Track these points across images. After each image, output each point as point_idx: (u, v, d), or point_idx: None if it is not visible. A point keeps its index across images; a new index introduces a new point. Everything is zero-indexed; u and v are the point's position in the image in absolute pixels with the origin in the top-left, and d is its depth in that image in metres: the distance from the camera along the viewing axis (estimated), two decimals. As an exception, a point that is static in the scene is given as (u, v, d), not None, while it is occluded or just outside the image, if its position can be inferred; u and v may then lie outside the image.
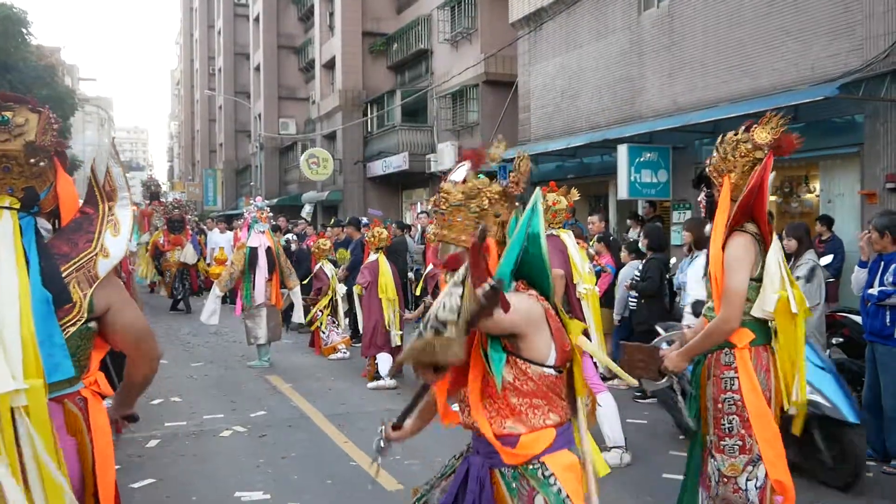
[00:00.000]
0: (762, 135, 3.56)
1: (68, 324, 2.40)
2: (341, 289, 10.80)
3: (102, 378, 2.62)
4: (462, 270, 2.24)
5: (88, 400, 2.51)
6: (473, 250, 2.24)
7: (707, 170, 3.76)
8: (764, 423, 3.49)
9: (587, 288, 6.30)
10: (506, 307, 2.24)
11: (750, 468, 3.51)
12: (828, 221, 10.16)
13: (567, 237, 6.39)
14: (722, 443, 3.54)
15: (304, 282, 11.38)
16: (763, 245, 3.61)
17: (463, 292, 2.19)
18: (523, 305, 2.39)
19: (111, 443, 2.55)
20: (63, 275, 2.41)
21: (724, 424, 3.55)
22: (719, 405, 3.56)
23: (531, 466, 2.49)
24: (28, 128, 2.43)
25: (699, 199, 3.88)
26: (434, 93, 23.81)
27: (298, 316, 10.58)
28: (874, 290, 5.78)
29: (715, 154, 3.71)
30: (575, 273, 6.22)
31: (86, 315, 2.43)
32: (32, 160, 2.44)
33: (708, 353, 3.69)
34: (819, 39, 10.93)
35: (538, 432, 2.48)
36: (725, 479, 3.53)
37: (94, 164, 2.60)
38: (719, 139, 3.72)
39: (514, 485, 2.51)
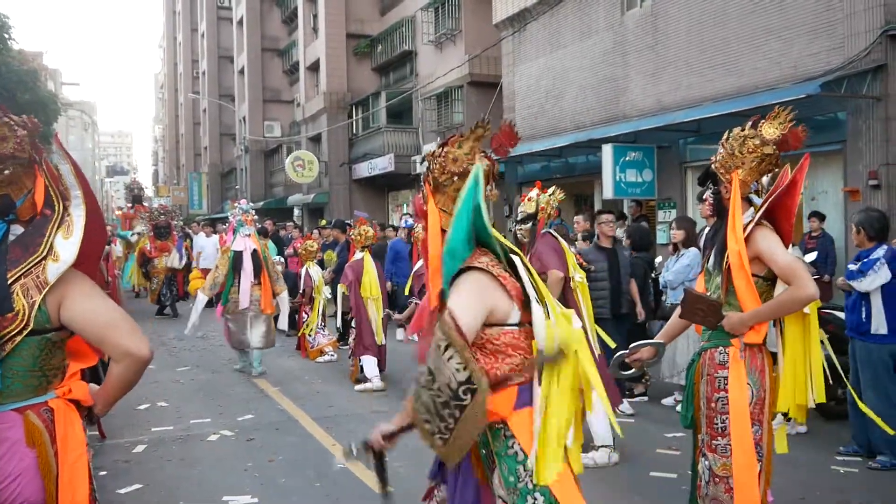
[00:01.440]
0: (770, 130, 3.54)
1: (12, 333, 2.28)
2: (326, 291, 10.73)
3: (81, 388, 2.49)
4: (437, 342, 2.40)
5: (57, 411, 2.38)
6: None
7: (713, 166, 3.72)
8: (742, 425, 3.46)
9: (579, 279, 6.30)
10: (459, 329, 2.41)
11: None
12: (820, 217, 10.21)
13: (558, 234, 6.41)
14: (714, 442, 3.53)
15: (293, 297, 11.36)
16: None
17: (454, 348, 2.37)
18: (473, 295, 2.54)
19: (83, 456, 2.41)
20: (8, 281, 2.29)
21: (716, 424, 3.53)
22: (712, 404, 3.54)
23: (496, 426, 2.52)
24: None
25: (705, 195, 3.86)
26: (419, 94, 23.82)
27: (283, 323, 10.37)
28: (854, 267, 5.83)
29: (721, 150, 3.67)
30: (570, 268, 6.23)
31: (32, 324, 2.30)
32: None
33: (702, 352, 3.68)
34: (801, 38, 11.01)
35: (501, 392, 2.51)
36: (717, 479, 3.51)
37: (48, 163, 2.46)
38: (725, 135, 3.67)
39: (483, 451, 2.56)
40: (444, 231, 2.67)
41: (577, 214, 10.61)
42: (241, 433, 6.98)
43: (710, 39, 12.59)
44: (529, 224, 6.41)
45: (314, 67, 31.70)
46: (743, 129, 3.61)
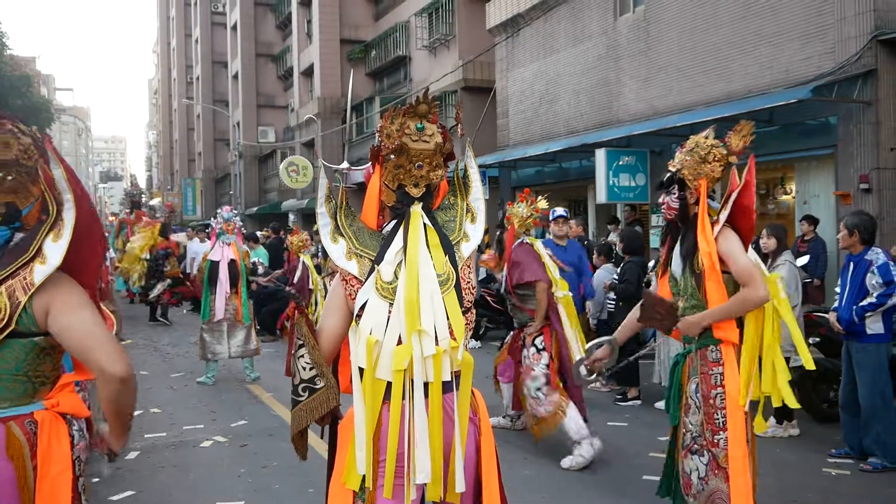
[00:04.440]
0: (737, 141, 3.75)
1: None
2: (321, 282, 10.56)
3: (70, 400, 2.43)
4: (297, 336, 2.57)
5: (42, 424, 2.34)
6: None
7: (681, 173, 3.83)
8: (737, 416, 3.61)
9: (563, 294, 6.37)
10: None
11: None
12: (813, 221, 10.24)
13: (539, 245, 6.51)
14: (716, 437, 3.63)
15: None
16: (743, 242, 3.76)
17: (305, 347, 2.54)
18: (331, 298, 2.69)
19: (66, 472, 2.36)
20: None
21: (717, 419, 3.64)
22: (711, 401, 3.65)
23: None
24: None
25: (663, 199, 3.95)
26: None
27: None
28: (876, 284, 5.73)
29: (686, 158, 3.81)
30: (551, 278, 6.30)
31: (14, 324, 2.28)
32: (0, 174, 2.37)
33: (688, 353, 3.79)
34: (792, 43, 11.06)
35: None
36: (717, 471, 3.62)
37: (45, 168, 2.45)
38: (688, 145, 3.85)
39: None
40: (384, 205, 2.71)
41: (571, 219, 10.62)
42: (235, 439, 6.96)
43: (702, 44, 12.65)
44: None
45: (308, 73, 31.74)
46: (706, 139, 3.80)
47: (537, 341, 6.25)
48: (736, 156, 3.75)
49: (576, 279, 8.08)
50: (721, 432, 3.62)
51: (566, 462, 5.91)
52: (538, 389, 6.12)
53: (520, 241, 6.47)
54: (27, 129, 2.43)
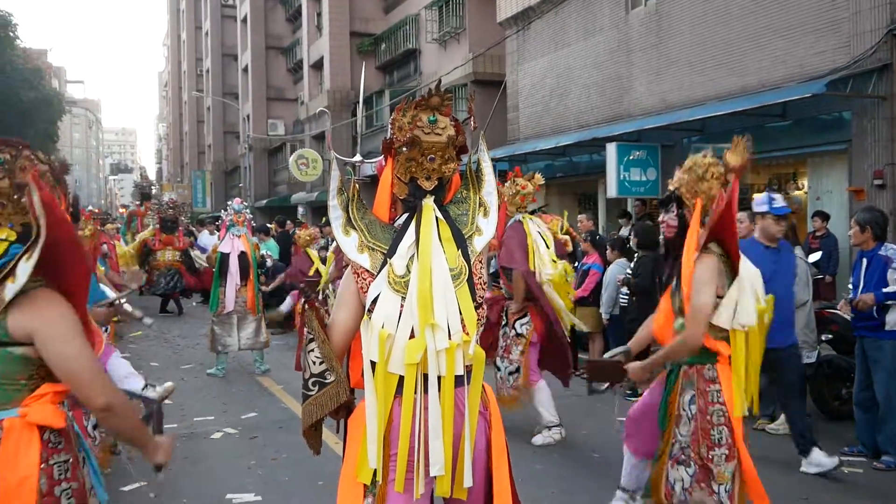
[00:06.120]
0: (734, 158, 3.69)
1: None
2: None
3: (41, 411, 2.43)
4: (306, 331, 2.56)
5: (9, 430, 2.37)
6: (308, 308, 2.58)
7: (679, 191, 3.85)
8: (740, 429, 3.69)
9: (549, 273, 6.36)
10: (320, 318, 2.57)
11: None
12: (824, 217, 10.17)
13: (531, 223, 6.51)
14: (711, 452, 3.65)
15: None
16: (731, 265, 3.73)
17: (316, 341, 2.53)
18: (344, 290, 2.67)
19: (29, 479, 2.36)
20: None
21: (714, 435, 3.67)
22: (708, 417, 3.68)
23: None
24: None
25: (663, 218, 3.96)
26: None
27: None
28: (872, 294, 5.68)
29: (685, 176, 3.82)
30: (537, 260, 6.35)
31: None
32: (17, 195, 2.46)
33: (684, 365, 3.79)
34: (806, 37, 10.97)
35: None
36: (702, 485, 3.65)
37: (30, 194, 2.46)
38: (686, 164, 3.85)
39: None
40: (395, 198, 2.69)
41: (581, 213, 10.57)
42: (245, 431, 6.99)
43: (714, 38, 12.56)
44: None
45: (318, 65, 31.73)
46: (704, 157, 3.80)
47: (518, 325, 6.42)
48: (735, 173, 3.66)
49: (783, 295, 5.44)
50: (717, 448, 3.65)
51: (538, 440, 6.34)
52: (511, 374, 6.41)
53: (511, 220, 6.49)
54: (45, 157, 2.54)
